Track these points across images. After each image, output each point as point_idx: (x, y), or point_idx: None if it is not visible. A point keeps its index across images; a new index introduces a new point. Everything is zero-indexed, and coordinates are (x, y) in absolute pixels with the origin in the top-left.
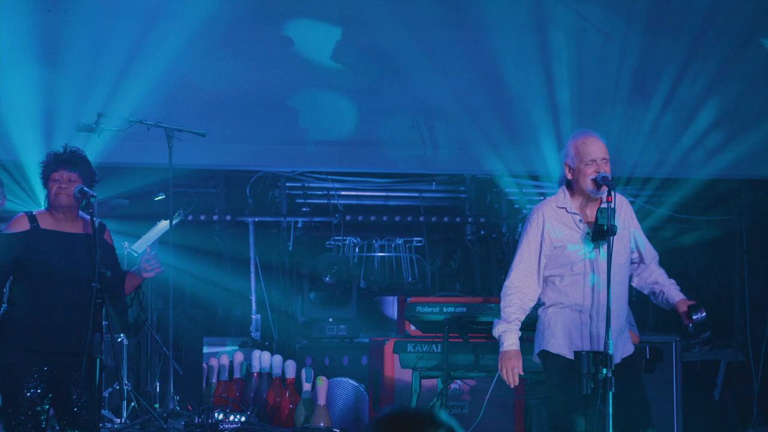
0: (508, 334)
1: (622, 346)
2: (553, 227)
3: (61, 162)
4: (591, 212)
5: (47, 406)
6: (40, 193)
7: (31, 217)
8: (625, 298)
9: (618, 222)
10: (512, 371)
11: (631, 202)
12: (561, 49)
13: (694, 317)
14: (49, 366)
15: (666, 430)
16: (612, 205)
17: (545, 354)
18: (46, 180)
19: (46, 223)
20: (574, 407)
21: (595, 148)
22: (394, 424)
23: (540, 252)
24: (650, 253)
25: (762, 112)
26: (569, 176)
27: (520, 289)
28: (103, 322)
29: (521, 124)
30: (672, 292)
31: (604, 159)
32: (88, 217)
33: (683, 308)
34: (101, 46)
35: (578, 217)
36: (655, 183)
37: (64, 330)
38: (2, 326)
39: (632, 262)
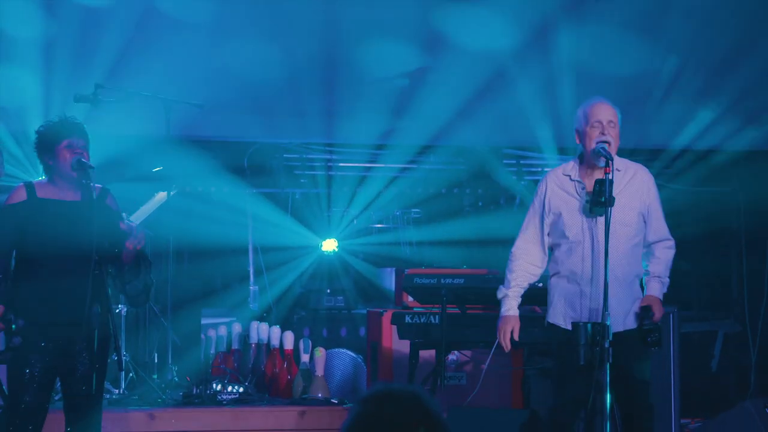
0: (506, 300)
1: (623, 318)
2: (554, 194)
3: (75, 129)
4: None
5: (53, 378)
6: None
7: (29, 187)
8: (634, 271)
9: (628, 191)
10: (504, 335)
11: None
12: (560, 19)
13: (645, 323)
14: (54, 337)
15: (663, 400)
16: (610, 177)
17: (548, 324)
18: (54, 147)
19: (44, 193)
20: (572, 378)
21: (602, 111)
22: (379, 403)
23: (542, 219)
24: (654, 233)
25: (761, 84)
26: (578, 141)
27: (523, 256)
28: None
29: (520, 96)
30: (648, 285)
31: (611, 122)
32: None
33: (643, 305)
34: (98, 18)
35: (581, 185)
36: (653, 155)
37: (66, 300)
38: (9, 300)
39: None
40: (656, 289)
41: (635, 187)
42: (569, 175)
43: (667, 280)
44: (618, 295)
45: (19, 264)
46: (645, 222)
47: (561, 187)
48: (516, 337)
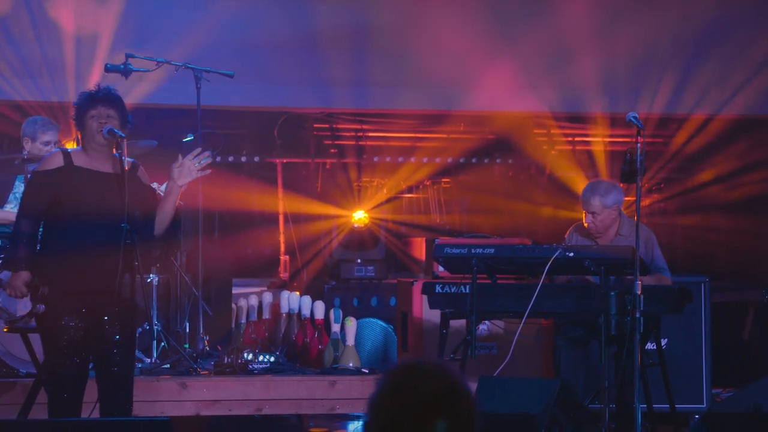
0: None
1: None
2: None
3: (98, 100)
4: None
5: (89, 346)
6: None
7: (66, 154)
8: None
9: None
10: None
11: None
12: None
13: None
14: (86, 306)
15: (695, 370)
16: (640, 145)
17: None
18: (82, 119)
19: (80, 161)
20: None
21: None
22: (406, 375)
23: None
24: None
25: None
26: None
27: None
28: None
29: (548, 63)
30: None
31: None
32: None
33: None
34: None
35: None
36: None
37: (97, 270)
38: (38, 268)
39: None
40: None
41: None
42: None
43: None
44: None
45: (49, 231)
46: None
47: None
48: None
